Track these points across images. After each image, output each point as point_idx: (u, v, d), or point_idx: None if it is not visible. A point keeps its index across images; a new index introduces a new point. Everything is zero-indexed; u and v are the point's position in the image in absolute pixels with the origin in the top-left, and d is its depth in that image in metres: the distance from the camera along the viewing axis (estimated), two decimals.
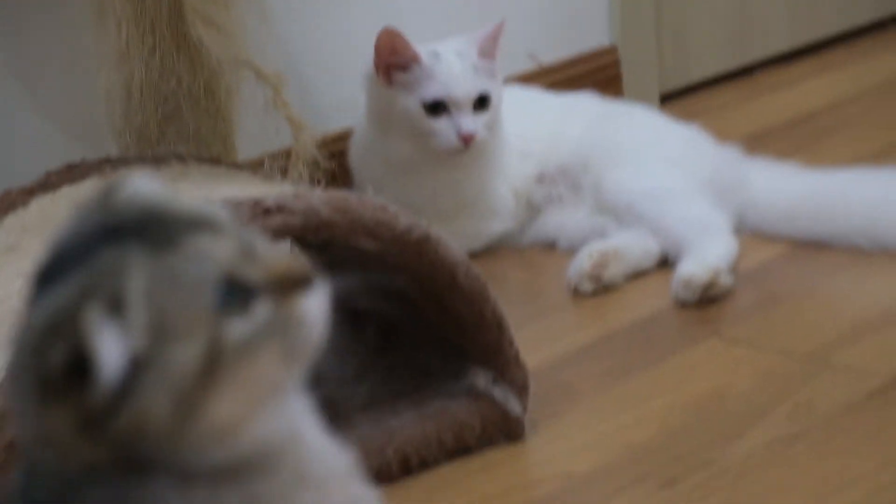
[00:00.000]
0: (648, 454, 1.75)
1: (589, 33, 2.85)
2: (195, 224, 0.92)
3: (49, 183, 1.90)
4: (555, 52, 2.74)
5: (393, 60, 2.24)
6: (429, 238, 1.68)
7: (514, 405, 1.77)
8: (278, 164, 2.03)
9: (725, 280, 2.11)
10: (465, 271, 1.72)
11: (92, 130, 2.12)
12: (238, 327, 0.90)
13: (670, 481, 1.68)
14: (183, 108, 1.94)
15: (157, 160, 1.84)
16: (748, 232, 2.30)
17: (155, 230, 0.91)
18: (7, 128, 2.18)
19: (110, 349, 0.86)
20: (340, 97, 2.50)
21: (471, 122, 2.23)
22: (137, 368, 0.87)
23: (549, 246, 2.36)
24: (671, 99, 2.98)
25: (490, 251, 2.35)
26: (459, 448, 1.75)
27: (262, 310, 0.91)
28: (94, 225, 0.92)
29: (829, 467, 1.69)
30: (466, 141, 2.22)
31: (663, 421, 1.82)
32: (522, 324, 2.05)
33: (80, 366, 0.86)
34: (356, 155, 2.40)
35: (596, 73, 2.81)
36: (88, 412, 0.87)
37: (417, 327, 1.79)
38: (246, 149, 2.08)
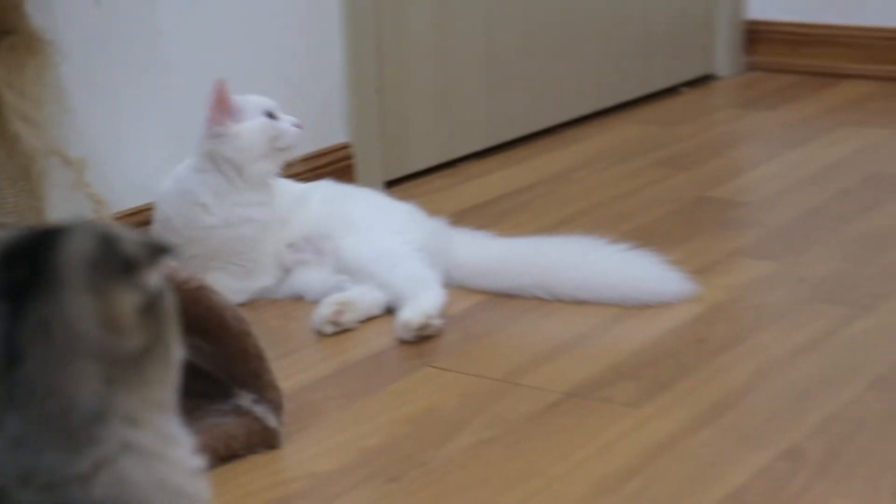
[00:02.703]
0: (377, 457, 1.76)
1: (330, 134, 2.86)
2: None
3: None
4: (304, 148, 2.72)
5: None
6: (203, 287, 1.68)
7: (271, 420, 1.77)
8: None
9: (435, 322, 2.13)
10: (233, 314, 1.72)
11: None
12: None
13: (394, 477, 1.70)
14: (3, 188, 1.89)
15: None
16: (454, 286, 2.31)
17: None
18: None
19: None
20: (136, 179, 2.45)
21: None
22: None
23: (299, 299, 2.33)
24: (394, 184, 2.98)
25: (251, 303, 2.33)
26: (228, 455, 1.74)
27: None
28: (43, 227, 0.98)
29: (517, 463, 1.72)
30: None
31: (388, 431, 1.83)
32: (278, 358, 2.05)
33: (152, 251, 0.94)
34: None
35: (335, 164, 2.81)
36: (147, 296, 0.93)
37: (196, 359, 1.78)
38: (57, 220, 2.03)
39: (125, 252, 0.93)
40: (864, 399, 1.86)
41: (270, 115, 2.33)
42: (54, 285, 0.92)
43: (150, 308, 0.93)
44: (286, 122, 2.34)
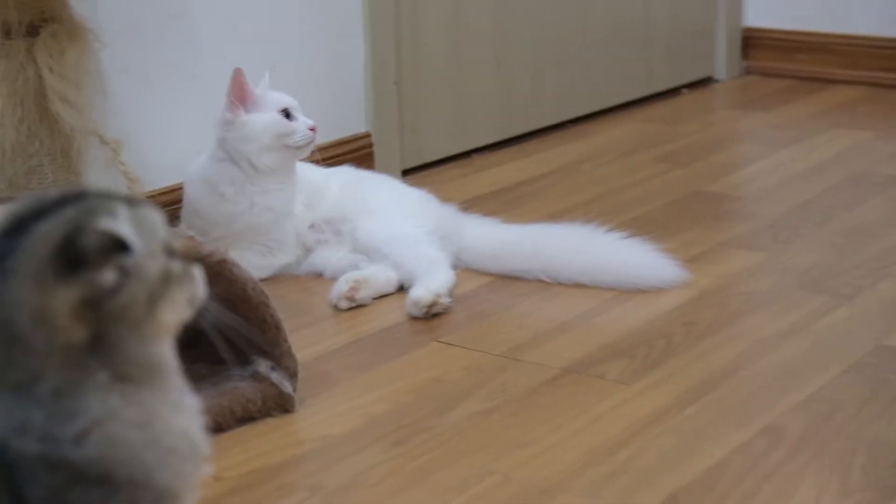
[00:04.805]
0: (384, 422, 1.77)
1: (350, 123, 2.86)
2: (145, 202, 0.99)
3: None
4: (326, 136, 2.74)
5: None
6: (226, 260, 1.69)
7: (287, 386, 1.78)
8: None
9: (444, 301, 2.13)
10: (253, 286, 1.73)
11: None
12: (175, 265, 0.96)
13: (399, 441, 1.71)
14: (44, 164, 1.90)
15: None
16: (463, 267, 2.32)
17: (120, 197, 0.97)
18: None
19: (131, 235, 0.93)
20: (168, 159, 2.46)
21: None
22: (129, 270, 0.92)
23: (318, 276, 2.34)
24: (410, 172, 2.98)
25: (274, 278, 2.33)
26: (246, 417, 1.75)
27: (179, 264, 0.97)
28: (56, 196, 0.96)
29: (514, 432, 1.73)
30: None
31: (396, 399, 1.84)
32: (296, 329, 2.06)
33: (108, 247, 0.91)
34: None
35: (355, 152, 2.82)
36: (93, 293, 0.90)
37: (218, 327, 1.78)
38: None
39: (82, 247, 0.90)
40: (840, 382, 1.86)
41: (287, 113, 2.30)
42: (7, 273, 0.91)
43: (96, 303, 0.91)
44: (301, 122, 2.30)
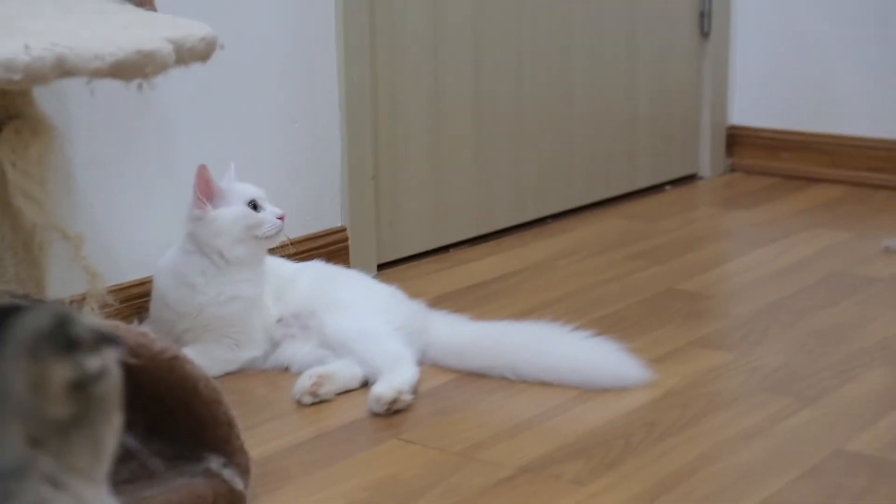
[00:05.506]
0: None
1: (326, 217, 2.88)
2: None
3: None
4: (302, 230, 2.76)
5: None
6: (177, 357, 1.69)
7: (238, 483, 1.76)
8: (77, 304, 2.01)
9: (406, 398, 2.14)
10: (205, 383, 1.72)
11: None
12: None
13: None
14: (5, 259, 1.90)
15: None
16: (429, 364, 2.33)
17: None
18: None
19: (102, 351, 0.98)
20: (137, 254, 2.48)
21: None
22: (108, 364, 0.98)
23: (286, 370, 2.34)
24: (386, 266, 3.00)
25: (240, 371, 2.34)
26: None
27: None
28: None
29: None
30: None
31: (350, 497, 1.84)
32: (258, 424, 2.09)
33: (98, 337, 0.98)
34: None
35: (330, 246, 2.83)
36: (82, 376, 0.95)
37: (169, 425, 1.78)
38: (55, 291, 2.04)
39: (73, 333, 0.96)
40: (797, 487, 1.86)
41: (254, 205, 2.33)
42: (2, 343, 0.95)
43: (83, 386, 0.96)
44: (269, 212, 2.33)
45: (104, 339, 0.98)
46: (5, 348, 0.94)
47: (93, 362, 0.96)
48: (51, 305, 1.00)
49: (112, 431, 0.99)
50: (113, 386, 0.99)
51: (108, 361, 0.98)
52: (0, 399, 0.93)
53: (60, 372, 0.95)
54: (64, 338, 0.96)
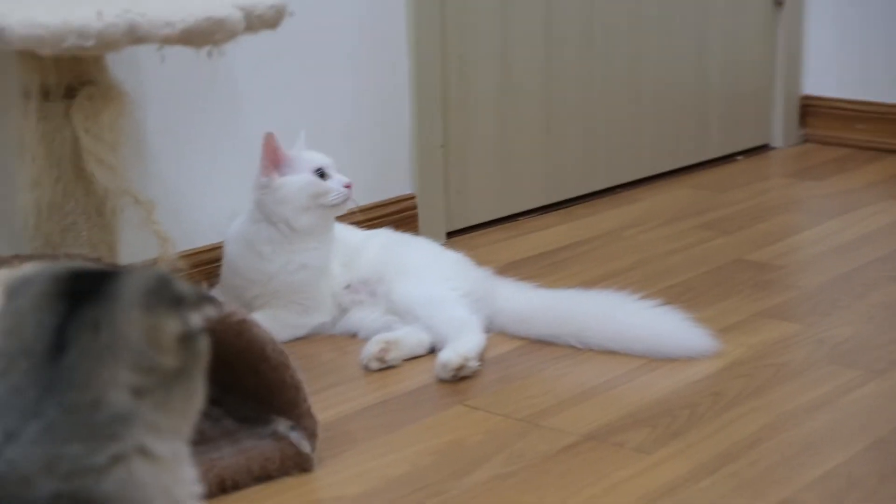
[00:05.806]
0: (401, 485, 1.79)
1: (395, 185, 2.90)
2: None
3: None
4: (371, 198, 2.77)
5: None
6: (245, 321, 1.72)
7: (305, 446, 1.80)
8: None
9: (472, 364, 2.15)
10: (272, 346, 1.75)
11: (11, 236, 2.13)
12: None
13: None
14: (79, 223, 1.94)
15: (52, 257, 1.84)
16: (496, 331, 2.34)
17: None
18: None
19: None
20: (207, 220, 2.51)
21: None
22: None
23: (353, 335, 2.36)
24: (455, 234, 3.01)
25: (308, 337, 2.36)
26: (263, 476, 1.77)
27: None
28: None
29: (529, 498, 1.74)
30: None
31: (415, 461, 1.86)
32: (325, 389, 2.11)
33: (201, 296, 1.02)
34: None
35: (399, 213, 2.85)
36: (188, 330, 1.00)
37: (238, 388, 1.81)
38: (127, 255, 2.08)
39: (177, 290, 1.01)
40: (862, 459, 1.85)
41: (321, 173, 2.34)
42: (111, 298, 0.99)
43: (188, 341, 1.00)
44: (336, 180, 2.34)
45: (204, 298, 1.02)
46: (116, 303, 0.99)
47: (196, 318, 1.01)
48: (146, 269, 1.05)
49: (203, 389, 1.03)
50: (207, 344, 1.03)
51: (208, 318, 1.03)
52: (114, 349, 0.97)
53: (172, 324, 0.99)
54: (170, 294, 1.00)
